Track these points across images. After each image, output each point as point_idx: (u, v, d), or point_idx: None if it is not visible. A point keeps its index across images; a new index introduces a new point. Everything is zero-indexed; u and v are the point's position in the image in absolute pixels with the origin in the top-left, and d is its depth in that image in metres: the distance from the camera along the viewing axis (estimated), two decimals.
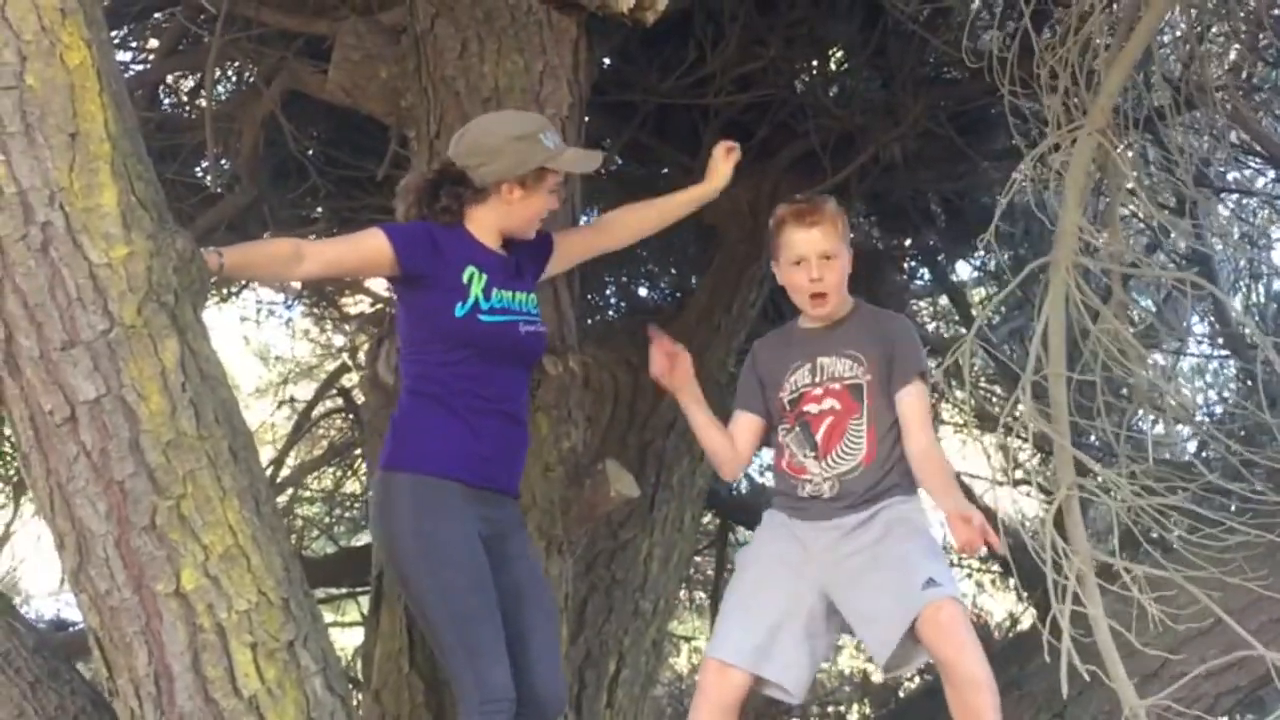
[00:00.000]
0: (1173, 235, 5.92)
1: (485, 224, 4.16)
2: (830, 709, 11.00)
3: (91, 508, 3.41)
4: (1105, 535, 4.51)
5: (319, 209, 7.74)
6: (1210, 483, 3.82)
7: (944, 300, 10.09)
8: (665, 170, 7.49)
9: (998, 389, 8.76)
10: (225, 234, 6.97)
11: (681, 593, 8.01)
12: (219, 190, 6.92)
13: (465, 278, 4.05)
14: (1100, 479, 3.48)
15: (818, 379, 4.35)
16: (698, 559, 10.02)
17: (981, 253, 8.73)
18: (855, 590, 4.19)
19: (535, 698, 4.00)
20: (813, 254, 4.28)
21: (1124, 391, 4.41)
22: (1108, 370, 3.72)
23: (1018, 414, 3.54)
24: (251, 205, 6.94)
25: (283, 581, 3.57)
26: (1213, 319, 8.49)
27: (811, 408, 4.34)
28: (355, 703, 4.67)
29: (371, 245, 4.05)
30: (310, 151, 7.06)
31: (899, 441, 4.28)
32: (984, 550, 3.92)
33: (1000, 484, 7.81)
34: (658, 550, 5.79)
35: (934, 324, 10.36)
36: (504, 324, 4.08)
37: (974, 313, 8.60)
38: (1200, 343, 8.99)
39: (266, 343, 11.73)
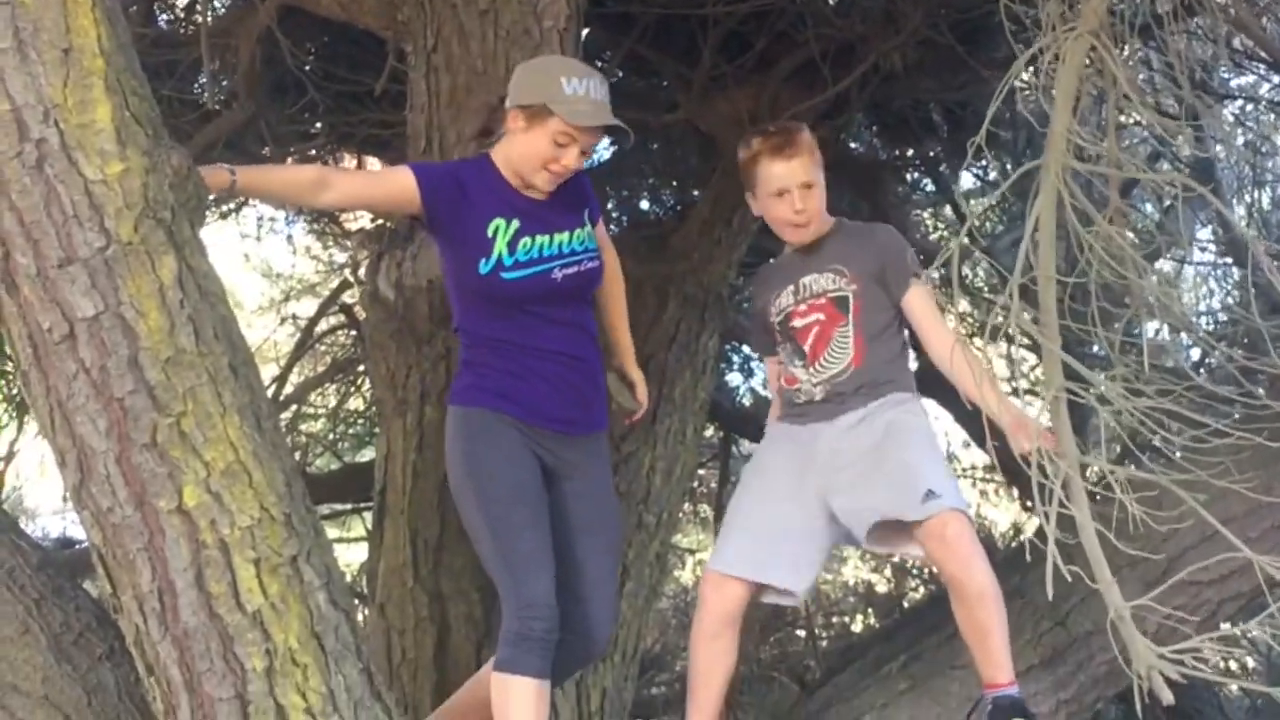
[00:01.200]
0: (1177, 141, 5.89)
1: (507, 159, 4.15)
2: (835, 619, 11.06)
3: (92, 425, 3.41)
4: (1109, 445, 4.49)
5: (317, 124, 7.70)
6: (1208, 390, 3.81)
7: (947, 210, 10.07)
8: (664, 83, 7.45)
9: (1000, 299, 8.74)
10: (223, 151, 6.93)
11: (685, 506, 8.03)
12: (216, 107, 6.88)
13: (490, 231, 4.05)
14: (1093, 385, 3.47)
15: (801, 297, 4.40)
16: (701, 472, 10.06)
17: (984, 162, 8.69)
18: (854, 495, 4.23)
19: (585, 629, 4.06)
20: (794, 185, 4.31)
21: (1126, 300, 4.38)
22: (1104, 278, 3.70)
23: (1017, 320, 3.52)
24: (249, 121, 6.90)
25: (284, 497, 3.57)
26: (1216, 226, 8.47)
27: (797, 322, 4.39)
28: (360, 617, 4.72)
29: (398, 182, 4.07)
30: (307, 67, 7.02)
31: (894, 345, 4.31)
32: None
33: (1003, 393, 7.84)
34: (660, 464, 5.80)
35: (937, 234, 10.33)
36: (532, 276, 4.07)
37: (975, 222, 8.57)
38: (1203, 250, 8.97)
39: (268, 259, 11.72)
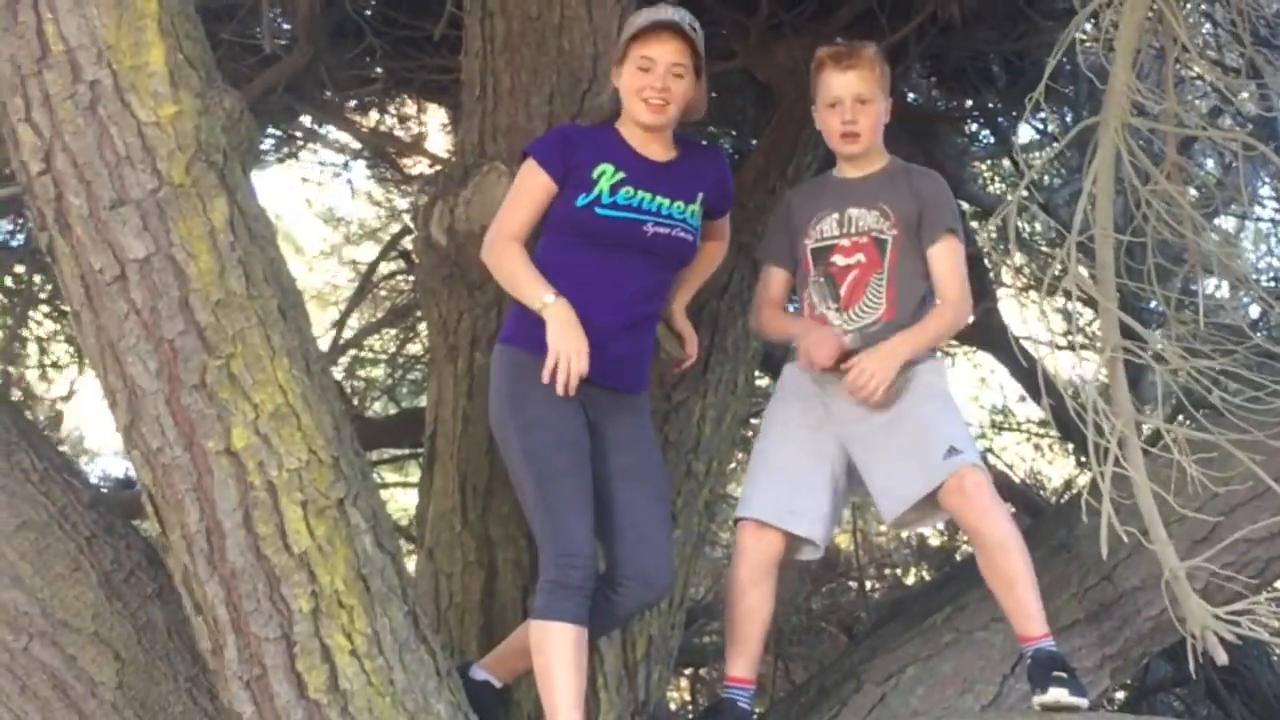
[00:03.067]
0: (1239, 97, 5.83)
1: (626, 120, 4.24)
2: (887, 571, 11.04)
3: (142, 365, 3.45)
4: (1165, 400, 4.47)
5: (376, 69, 7.70)
6: (1265, 348, 3.78)
7: (1005, 163, 9.98)
8: (722, 31, 7.40)
9: (1059, 254, 8.68)
10: (282, 95, 6.96)
11: (738, 455, 8.00)
12: (276, 51, 6.87)
13: (595, 174, 4.12)
14: (1149, 343, 3.45)
15: (846, 230, 4.37)
16: (754, 420, 10.03)
17: (1043, 115, 8.62)
18: (875, 451, 4.26)
19: (642, 573, 4.06)
20: (848, 96, 4.30)
21: (1184, 257, 4.35)
22: (1161, 234, 3.67)
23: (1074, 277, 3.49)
24: (309, 66, 6.90)
25: (332, 440, 3.60)
26: (1277, 184, 8.37)
27: (839, 259, 4.37)
28: (411, 563, 4.75)
29: (535, 185, 4.16)
30: (367, 11, 7.02)
31: (922, 300, 4.29)
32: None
33: (1060, 348, 7.79)
34: (711, 412, 5.77)
35: (994, 188, 10.25)
36: (624, 220, 4.11)
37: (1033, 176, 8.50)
38: (1264, 207, 8.87)
39: (329, 204, 11.75)
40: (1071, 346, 7.12)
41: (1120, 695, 8.62)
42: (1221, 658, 3.42)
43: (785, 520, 4.30)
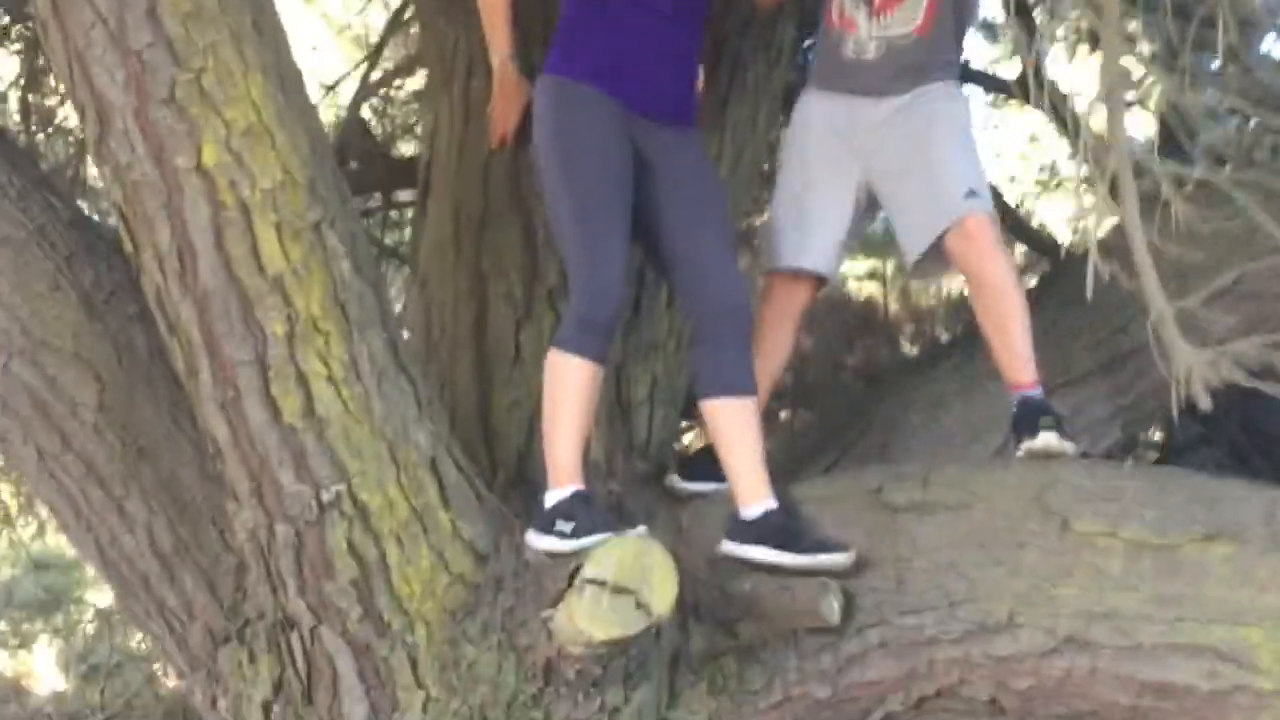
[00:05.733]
0: None
1: None
2: (927, 329, 10.94)
3: (109, 77, 3.33)
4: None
5: None
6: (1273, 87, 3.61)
7: None
8: None
9: None
10: None
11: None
12: None
13: None
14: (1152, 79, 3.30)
15: None
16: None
17: None
18: (897, 183, 4.17)
19: (711, 298, 3.98)
20: None
21: None
22: None
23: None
24: None
25: (308, 161, 3.50)
26: None
27: None
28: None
29: None
30: None
31: (958, 17, 4.14)
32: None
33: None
34: (728, 150, 5.59)
35: None
36: None
37: None
38: None
39: None
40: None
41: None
42: (1205, 403, 3.32)
43: (799, 258, 4.24)
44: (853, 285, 11.48)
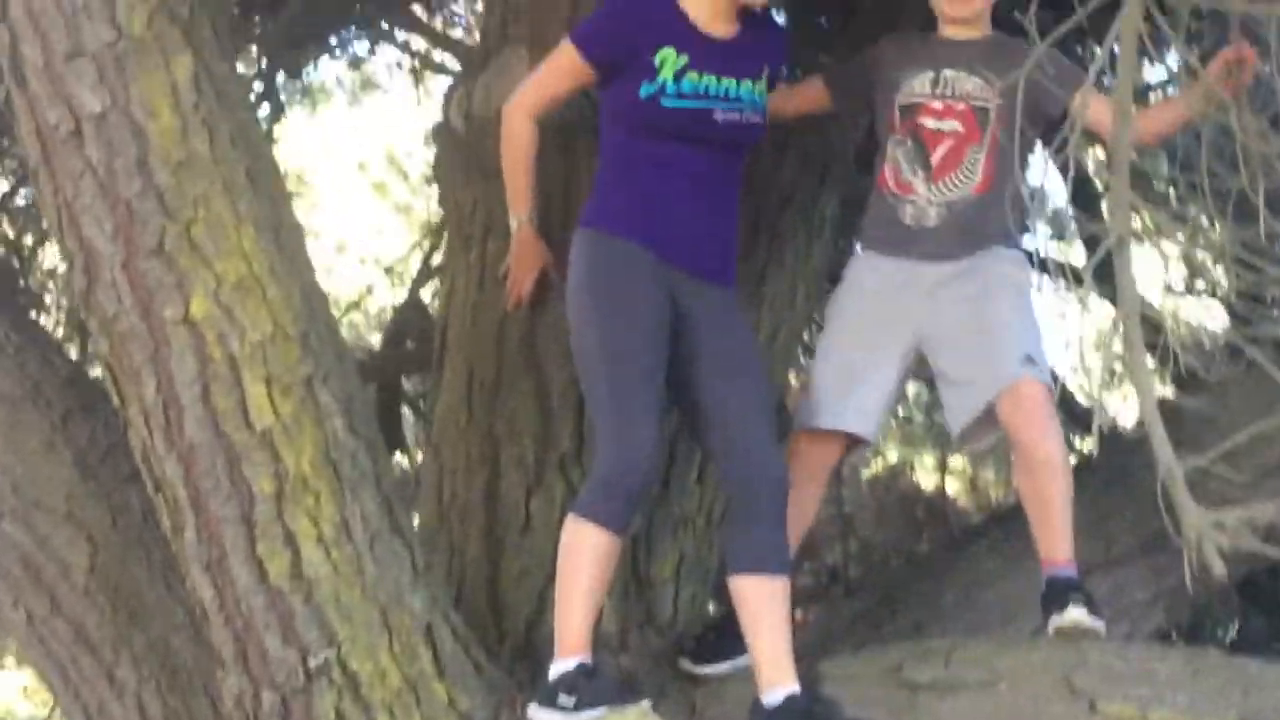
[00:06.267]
0: None
1: None
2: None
3: (98, 227, 3.30)
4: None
5: None
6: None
7: None
8: None
9: None
10: None
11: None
12: None
13: (658, 60, 3.84)
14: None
15: (939, 90, 4.10)
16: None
17: None
18: (952, 349, 4.04)
19: (748, 464, 3.82)
20: None
21: None
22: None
23: None
24: None
25: (301, 315, 3.44)
26: None
27: (929, 121, 4.09)
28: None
29: (569, 66, 3.93)
30: None
31: (1021, 181, 3.96)
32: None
33: None
34: (765, 326, 5.52)
35: None
36: (693, 109, 3.85)
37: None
38: None
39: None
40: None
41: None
42: (1219, 569, 3.13)
43: (839, 420, 4.12)
44: (921, 476, 11.41)
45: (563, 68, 3.95)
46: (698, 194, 3.90)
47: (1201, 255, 4.15)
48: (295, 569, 3.43)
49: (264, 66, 8.14)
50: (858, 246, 4.33)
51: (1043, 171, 4.45)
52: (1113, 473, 4.83)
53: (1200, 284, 4.57)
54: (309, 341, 3.44)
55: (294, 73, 8.81)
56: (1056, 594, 3.84)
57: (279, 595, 3.44)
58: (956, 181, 4.06)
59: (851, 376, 4.13)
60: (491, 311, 4.37)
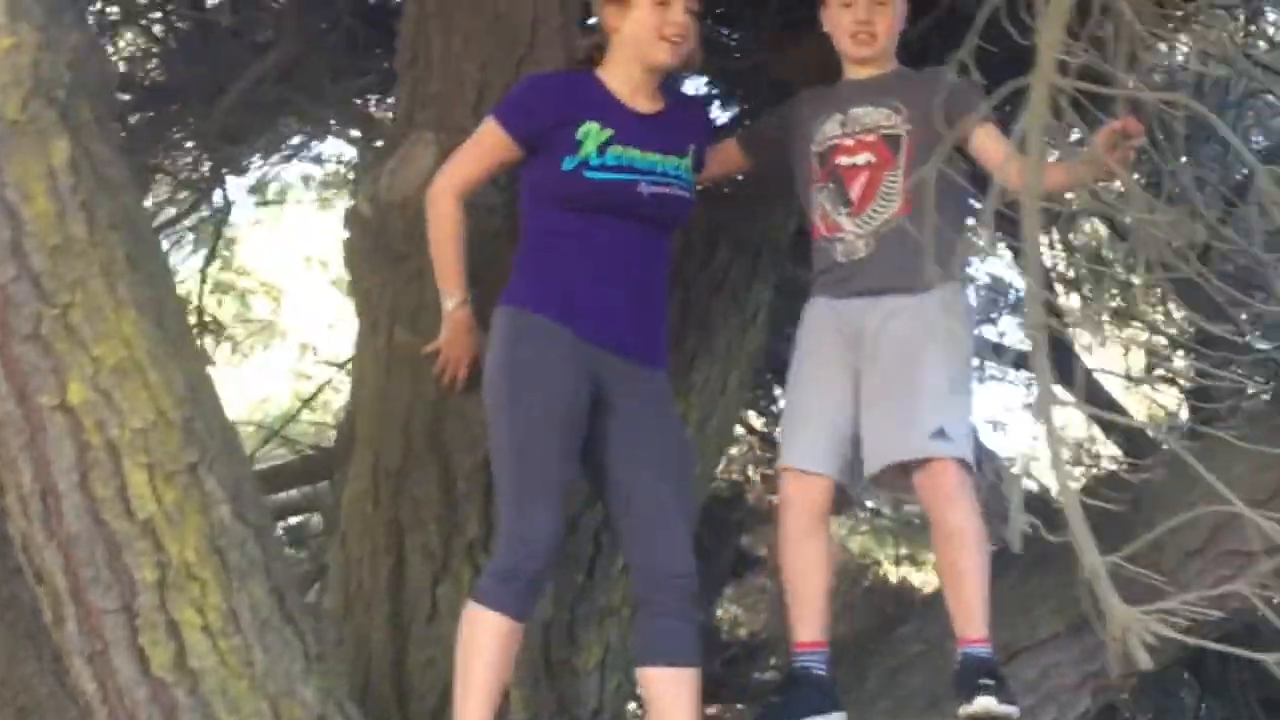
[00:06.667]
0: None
1: (615, 68, 3.98)
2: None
3: None
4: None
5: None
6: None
7: None
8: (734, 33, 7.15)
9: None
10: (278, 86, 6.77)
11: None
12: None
13: (580, 134, 3.86)
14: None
15: (848, 129, 4.11)
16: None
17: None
18: (875, 398, 4.01)
19: (653, 565, 3.81)
20: None
21: None
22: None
23: None
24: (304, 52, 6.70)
25: (185, 400, 3.39)
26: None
27: (844, 160, 4.11)
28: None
29: (493, 144, 3.96)
30: None
31: (949, 205, 3.84)
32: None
33: None
34: (694, 414, 5.47)
35: None
36: (617, 181, 3.85)
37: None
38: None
39: None
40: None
41: None
42: (1144, 661, 3.09)
43: (825, 464, 4.05)
44: (889, 569, 11.35)
45: (485, 145, 3.95)
46: (622, 271, 3.88)
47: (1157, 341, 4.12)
48: (179, 660, 3.35)
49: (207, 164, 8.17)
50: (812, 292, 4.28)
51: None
52: (1039, 553, 4.78)
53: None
54: (193, 427, 3.38)
55: (238, 169, 8.79)
56: (967, 677, 3.80)
57: (162, 686, 3.35)
58: (878, 209, 4.05)
59: (811, 420, 4.11)
60: (398, 398, 4.32)
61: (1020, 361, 8.39)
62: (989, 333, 8.90)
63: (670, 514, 3.85)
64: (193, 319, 7.98)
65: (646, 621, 3.82)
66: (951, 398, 3.98)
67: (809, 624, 4.07)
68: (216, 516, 3.40)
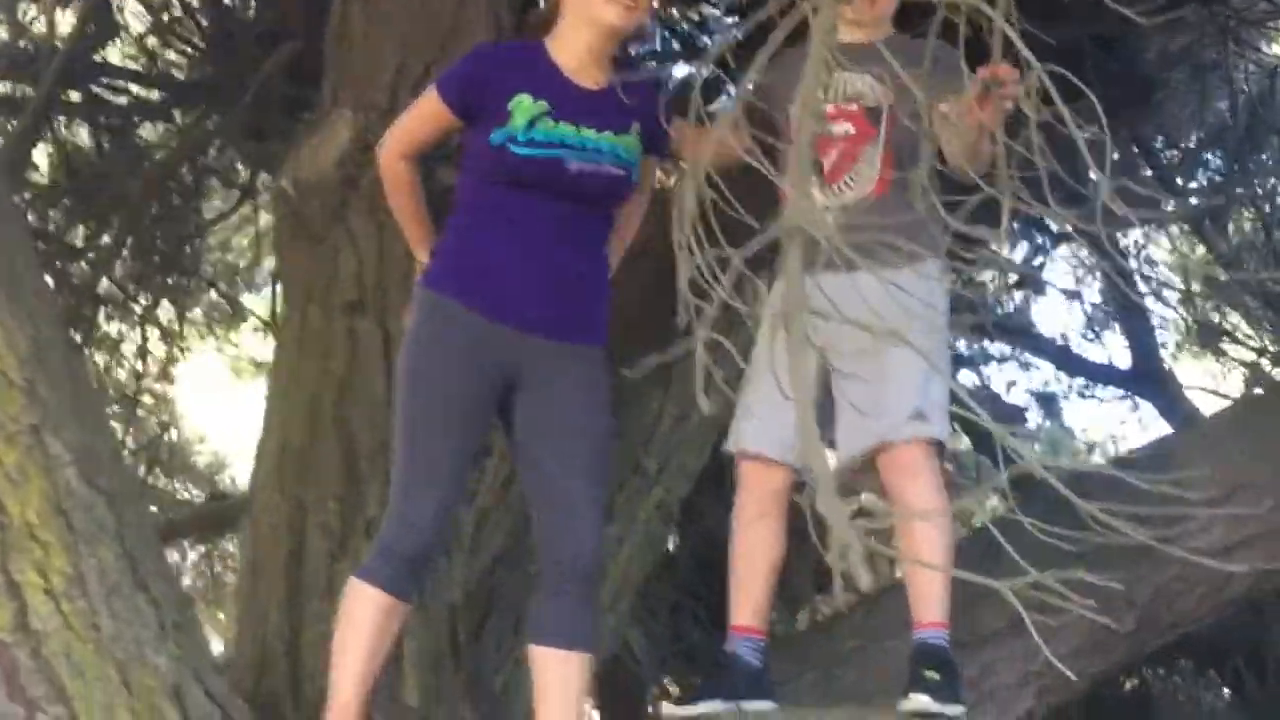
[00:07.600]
0: None
1: (563, 38, 3.87)
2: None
3: None
4: None
5: None
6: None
7: None
8: None
9: None
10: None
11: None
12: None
13: (510, 104, 3.76)
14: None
15: (830, 95, 3.94)
16: None
17: None
18: (847, 380, 3.81)
19: (556, 556, 3.76)
20: None
21: None
22: None
23: None
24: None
25: (28, 362, 3.40)
26: None
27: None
28: None
29: (431, 110, 3.90)
30: None
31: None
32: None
33: None
34: (671, 407, 5.37)
35: None
36: (543, 159, 3.74)
37: None
38: None
39: None
40: None
41: None
42: (865, 581, 2.96)
43: (759, 444, 3.99)
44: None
45: (425, 111, 3.92)
46: (544, 250, 3.79)
47: None
48: (20, 620, 3.32)
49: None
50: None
51: None
52: (981, 550, 4.66)
53: None
54: (36, 390, 3.39)
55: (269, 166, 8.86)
56: (913, 666, 3.74)
57: (3, 647, 3.34)
58: (850, 183, 3.95)
59: (765, 402, 3.87)
60: (308, 379, 4.33)
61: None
62: None
63: (581, 495, 3.78)
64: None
65: (546, 601, 3.77)
66: (929, 372, 3.81)
67: (747, 608, 4.01)
68: (61, 479, 3.39)
